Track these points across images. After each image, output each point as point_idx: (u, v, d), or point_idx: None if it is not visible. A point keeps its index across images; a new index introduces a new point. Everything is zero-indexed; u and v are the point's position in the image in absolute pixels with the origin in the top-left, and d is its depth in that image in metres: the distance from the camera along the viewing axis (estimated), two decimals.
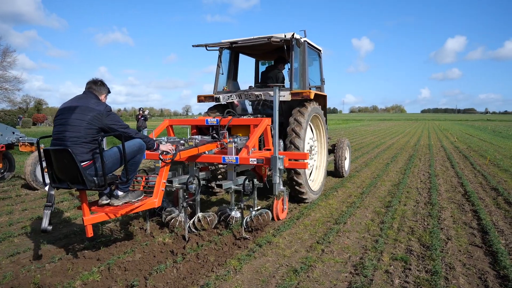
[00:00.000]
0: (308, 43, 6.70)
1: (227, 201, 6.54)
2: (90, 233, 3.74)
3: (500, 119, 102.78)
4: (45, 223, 3.48)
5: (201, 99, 6.93)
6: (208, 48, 6.68)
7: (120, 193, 3.91)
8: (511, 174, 9.03)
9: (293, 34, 6.06)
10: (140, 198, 4.05)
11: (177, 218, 4.79)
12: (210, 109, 6.91)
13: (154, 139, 4.53)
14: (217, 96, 6.71)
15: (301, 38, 6.34)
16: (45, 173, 3.78)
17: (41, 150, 3.69)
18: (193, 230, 4.73)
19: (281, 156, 4.70)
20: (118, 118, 3.79)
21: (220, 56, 6.94)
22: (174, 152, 4.27)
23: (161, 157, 4.13)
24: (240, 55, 7.53)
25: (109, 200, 3.91)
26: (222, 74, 7.01)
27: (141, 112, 15.58)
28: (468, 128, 40.09)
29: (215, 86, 6.93)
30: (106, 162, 3.56)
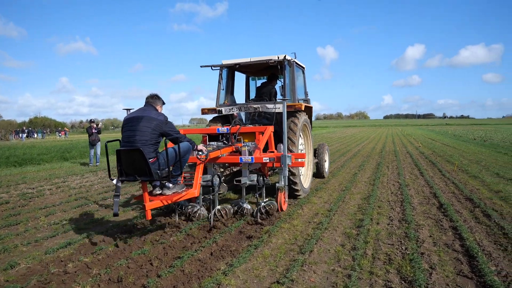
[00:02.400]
0: (296, 63, 7.80)
1: (230, 199, 7.43)
2: (149, 216, 4.69)
3: (458, 123, 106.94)
4: (115, 210, 4.56)
5: (204, 111, 7.84)
6: (213, 68, 7.75)
7: (170, 185, 4.98)
8: (481, 180, 8.64)
9: (285, 56, 7.18)
10: (184, 189, 5.15)
11: (197, 211, 5.85)
12: (213, 119, 7.89)
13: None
14: (219, 108, 7.65)
15: (291, 59, 7.49)
16: (110, 169, 5.03)
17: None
18: (213, 219, 5.53)
19: (289, 155, 5.82)
20: (173, 126, 4.95)
21: (220, 74, 7.88)
22: (206, 152, 5.38)
23: (198, 157, 5.26)
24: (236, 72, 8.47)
25: (161, 191, 4.93)
26: (223, 90, 7.95)
27: (93, 124, 14.29)
28: (429, 132, 40.91)
29: (217, 100, 7.87)
30: (165, 159, 4.63)
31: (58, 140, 48.55)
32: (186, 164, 5.38)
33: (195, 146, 5.28)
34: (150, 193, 4.90)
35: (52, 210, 6.97)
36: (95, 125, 14.37)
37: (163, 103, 5.23)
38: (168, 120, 4.85)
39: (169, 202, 4.97)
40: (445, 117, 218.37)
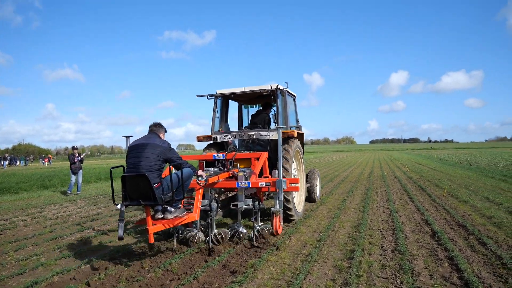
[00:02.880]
0: (288, 91, 8.13)
1: (226, 223, 7.49)
2: (151, 239, 4.80)
3: (442, 147, 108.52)
4: (120, 233, 4.69)
5: (200, 139, 8.01)
6: (208, 97, 8.03)
7: (172, 209, 5.13)
8: (472, 205, 8.46)
9: (278, 85, 7.46)
10: (184, 213, 5.30)
11: (195, 235, 5.86)
12: (208, 146, 8.03)
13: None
14: (215, 136, 7.87)
15: (283, 88, 7.79)
16: (115, 194, 5.19)
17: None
18: (212, 243, 5.67)
19: (284, 180, 6.04)
20: (176, 153, 5.10)
21: (215, 103, 8.11)
22: (205, 178, 5.52)
23: (198, 182, 5.37)
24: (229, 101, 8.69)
25: (163, 215, 5.10)
26: (218, 118, 8.17)
27: (76, 151, 13.82)
28: (415, 157, 41.15)
29: (212, 128, 8.11)
30: (168, 184, 4.83)
31: (41, 167, 47.43)
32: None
33: (196, 171, 5.50)
34: (152, 217, 5.01)
35: (23, 243, 6.50)
36: (77, 153, 13.91)
37: (166, 131, 5.51)
38: (172, 147, 5.10)
39: (171, 225, 5.14)
40: (430, 141, 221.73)
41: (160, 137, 5.24)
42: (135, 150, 4.90)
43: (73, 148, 14.14)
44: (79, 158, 13.84)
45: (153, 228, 4.81)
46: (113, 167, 5.12)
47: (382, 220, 7.31)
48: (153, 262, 5.16)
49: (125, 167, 5.02)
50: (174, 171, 5.13)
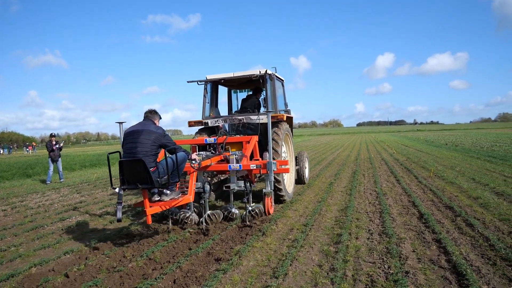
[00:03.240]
0: (276, 76, 8.22)
1: (217, 206, 7.56)
2: (149, 221, 5.07)
3: (428, 129, 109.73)
4: (119, 215, 4.87)
5: (191, 124, 8.15)
6: (199, 83, 8.13)
7: (168, 192, 5.32)
8: (458, 187, 8.47)
9: (266, 70, 7.68)
10: (180, 195, 5.49)
11: (189, 217, 6.12)
12: (200, 131, 8.16)
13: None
14: (206, 121, 8.03)
15: (272, 73, 7.91)
16: (113, 178, 5.49)
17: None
18: (205, 223, 5.91)
19: (274, 162, 6.22)
20: (170, 139, 5.34)
21: (205, 89, 8.24)
22: (199, 161, 5.80)
23: (192, 165, 5.65)
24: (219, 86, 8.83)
25: (159, 197, 5.27)
26: (208, 103, 8.29)
27: (53, 139, 13.43)
28: (402, 139, 41.46)
29: (203, 113, 8.22)
30: (164, 168, 5.02)
31: (25, 155, 46.60)
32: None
33: (189, 155, 5.74)
34: (149, 200, 5.17)
35: (1, 234, 6.29)
36: (54, 140, 13.51)
37: (160, 118, 5.71)
38: (166, 133, 5.30)
39: (168, 207, 5.37)
40: (416, 123, 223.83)
41: (155, 124, 5.48)
42: (131, 136, 5.10)
43: (51, 135, 13.72)
44: (57, 146, 13.46)
45: (151, 210, 5.02)
46: (110, 153, 5.41)
47: (369, 203, 7.26)
48: (136, 251, 5.01)
49: (121, 153, 5.22)
50: (169, 156, 5.21)
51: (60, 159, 13.69)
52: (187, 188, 5.70)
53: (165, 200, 5.27)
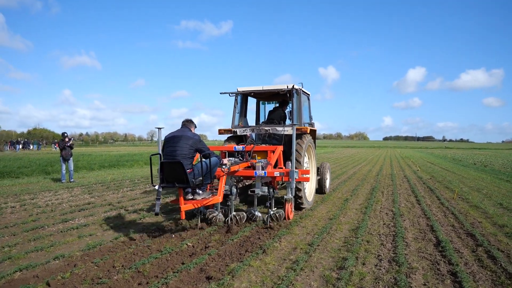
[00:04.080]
0: (303, 91, 8.70)
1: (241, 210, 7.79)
2: (183, 216, 5.62)
3: (457, 146, 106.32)
4: (157, 210, 5.50)
5: (221, 132, 8.65)
6: (230, 94, 8.67)
7: (200, 191, 5.89)
8: (483, 212, 7.86)
9: (293, 85, 8.11)
10: (210, 196, 6.02)
11: (216, 216, 6.66)
12: (228, 139, 8.67)
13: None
14: (235, 130, 8.52)
15: (299, 88, 8.37)
16: (153, 177, 6.24)
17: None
18: (230, 224, 6.39)
19: (296, 170, 6.62)
20: (205, 144, 5.94)
21: (236, 100, 8.75)
22: (228, 166, 6.30)
23: (222, 169, 6.14)
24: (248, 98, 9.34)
25: (192, 196, 5.84)
26: (238, 113, 8.80)
27: (66, 139, 13.42)
28: (428, 156, 40.12)
29: (233, 122, 8.74)
30: (199, 170, 5.57)
31: (52, 152, 47.76)
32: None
33: (221, 160, 6.28)
34: (184, 198, 5.74)
35: (1, 233, 6.18)
36: (67, 139, 13.50)
37: (196, 126, 6.44)
38: (201, 139, 5.95)
39: (199, 205, 5.84)
40: (444, 140, 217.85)
41: (191, 131, 6.16)
42: (172, 141, 5.81)
43: (63, 135, 13.62)
44: (69, 144, 13.45)
45: (185, 207, 5.59)
46: (152, 155, 6.14)
47: (384, 224, 6.78)
48: (127, 261, 4.75)
49: (162, 155, 5.92)
50: (203, 160, 5.74)
51: (71, 158, 13.66)
52: (216, 190, 6.27)
53: (197, 199, 5.87)
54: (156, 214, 5.75)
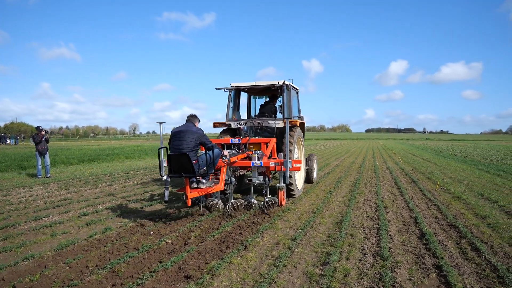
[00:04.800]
0: (292, 86, 9.31)
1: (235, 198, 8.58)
2: (189, 203, 6.04)
3: (437, 138, 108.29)
4: (166, 197, 6.06)
5: (216, 125, 9.14)
6: (224, 90, 9.19)
7: (204, 181, 6.42)
8: (465, 202, 7.87)
9: (284, 81, 8.69)
10: (213, 184, 6.55)
11: (216, 204, 7.12)
12: (223, 131, 9.13)
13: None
14: (229, 123, 9.03)
15: (289, 83, 8.99)
16: (162, 168, 6.75)
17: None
18: (230, 210, 6.85)
19: (290, 160, 7.10)
20: (208, 138, 6.53)
21: (230, 95, 9.31)
22: (228, 157, 6.66)
23: (223, 160, 6.57)
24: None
25: (197, 185, 6.30)
26: (231, 107, 9.30)
27: (42, 133, 12.95)
28: (410, 147, 40.65)
29: (227, 116, 9.21)
30: (203, 161, 6.20)
31: (31, 146, 46.52)
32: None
33: (222, 152, 6.71)
34: (189, 187, 6.16)
35: None
36: (43, 133, 13.02)
37: (199, 121, 6.98)
38: (204, 133, 6.55)
39: (204, 193, 6.39)
40: (425, 132, 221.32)
41: (195, 125, 6.73)
42: (178, 135, 6.38)
43: (38, 128, 13.13)
44: (45, 137, 12.99)
45: (191, 194, 6.06)
46: (160, 148, 6.83)
47: (367, 216, 6.70)
48: (101, 261, 4.52)
49: (168, 148, 6.47)
50: (207, 152, 6.22)
51: (48, 152, 13.20)
52: (217, 179, 6.78)
53: (201, 187, 6.34)
54: (166, 202, 6.81)
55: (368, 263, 4.31)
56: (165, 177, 6.31)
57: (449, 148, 37.78)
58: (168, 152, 6.27)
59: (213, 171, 6.45)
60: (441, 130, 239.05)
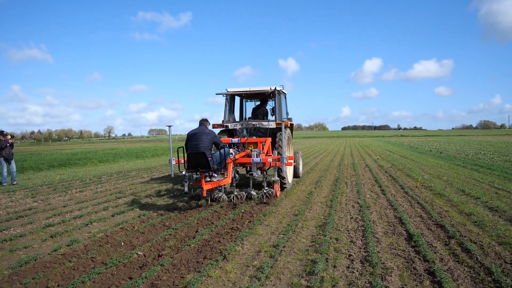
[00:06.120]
0: (282, 91, 10.47)
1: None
2: (204, 194, 7.24)
3: (412, 134, 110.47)
4: (186, 189, 7.24)
5: (214, 126, 10.08)
6: (223, 95, 10.24)
7: (216, 175, 7.55)
8: (448, 199, 7.75)
9: (276, 87, 9.79)
10: (222, 178, 7.56)
11: (221, 196, 7.93)
12: (220, 132, 10.20)
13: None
14: (226, 124, 10.12)
15: (280, 89, 10.21)
16: (179, 165, 7.96)
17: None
18: (234, 200, 7.89)
19: (285, 157, 8.09)
20: (219, 138, 7.81)
21: (227, 99, 10.37)
22: (234, 155, 7.97)
23: (231, 158, 7.79)
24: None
25: (210, 179, 7.43)
26: (228, 110, 10.37)
27: (8, 137, 12.20)
28: (386, 144, 41.10)
29: (224, 118, 10.33)
30: (216, 158, 7.46)
31: None
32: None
33: (230, 151, 7.95)
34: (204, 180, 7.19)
35: None
36: (9, 137, 12.28)
37: (210, 124, 8.15)
38: (216, 134, 7.84)
39: (216, 186, 7.45)
40: (399, 129, 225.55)
41: (207, 128, 7.80)
42: (194, 136, 7.41)
43: (2, 133, 12.35)
44: (9, 142, 12.25)
45: (206, 186, 7.12)
46: (179, 147, 7.82)
47: (351, 218, 6.44)
48: (64, 279, 4.06)
49: (185, 148, 7.55)
50: (219, 150, 7.54)
51: (13, 159, 12.45)
52: (227, 173, 7.68)
53: (214, 181, 7.39)
54: (185, 193, 7.60)
55: (357, 271, 4.01)
56: (183, 172, 7.40)
57: (424, 144, 38.39)
58: (185, 152, 7.44)
59: (222, 167, 7.56)
60: (415, 127, 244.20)
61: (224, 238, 5.41)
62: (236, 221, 6.40)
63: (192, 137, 7.42)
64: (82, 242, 5.48)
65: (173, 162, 8.34)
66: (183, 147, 7.65)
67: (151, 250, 4.97)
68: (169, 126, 8.47)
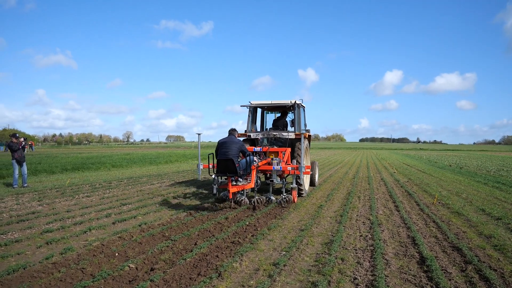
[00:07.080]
0: (301, 104, 11.03)
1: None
2: (231, 196, 8.16)
3: (431, 148, 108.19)
4: (214, 191, 7.99)
5: (239, 136, 10.09)
6: (247, 107, 11.03)
7: (241, 180, 8.22)
8: (466, 219, 7.27)
9: (295, 101, 10.44)
10: (246, 183, 8.26)
11: (243, 199, 8.89)
12: (243, 141, 10.44)
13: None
14: (249, 134, 10.87)
15: (300, 103, 10.79)
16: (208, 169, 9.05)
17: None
18: (255, 204, 8.56)
19: (303, 166, 8.87)
20: (246, 147, 8.47)
21: (250, 110, 11.12)
22: (257, 162, 8.71)
23: (254, 164, 8.50)
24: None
25: (236, 183, 8.10)
26: (251, 121, 11.13)
27: (21, 139, 12.23)
28: (404, 157, 40.15)
29: (247, 128, 11.07)
30: (243, 165, 8.15)
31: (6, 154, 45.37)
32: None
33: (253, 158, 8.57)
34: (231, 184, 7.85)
35: None
36: (22, 140, 12.29)
37: (238, 133, 8.99)
38: (244, 143, 8.45)
39: (241, 189, 8.23)
40: (418, 142, 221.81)
41: (236, 137, 8.59)
42: (224, 144, 8.13)
43: (14, 135, 12.36)
44: (23, 144, 12.26)
45: (233, 189, 7.87)
46: (209, 154, 8.65)
47: (361, 235, 6.06)
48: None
49: (215, 155, 8.26)
50: (245, 158, 8.26)
51: (25, 162, 12.45)
52: (249, 179, 8.32)
53: (239, 184, 8.07)
54: (214, 195, 8.15)
55: None
56: (213, 176, 8.13)
57: (444, 158, 37.33)
58: (215, 158, 8.19)
59: (248, 172, 8.24)
60: (435, 140, 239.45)
61: (223, 252, 5.12)
62: (238, 234, 6.10)
63: (222, 145, 8.15)
64: (76, 250, 5.27)
65: (201, 167, 9.42)
66: (213, 153, 8.44)
67: (144, 262, 4.71)
68: (199, 134, 9.40)
